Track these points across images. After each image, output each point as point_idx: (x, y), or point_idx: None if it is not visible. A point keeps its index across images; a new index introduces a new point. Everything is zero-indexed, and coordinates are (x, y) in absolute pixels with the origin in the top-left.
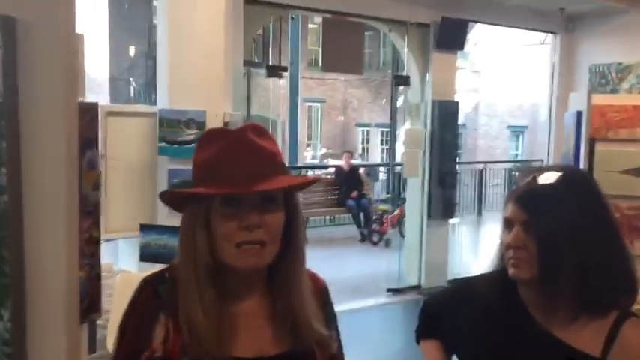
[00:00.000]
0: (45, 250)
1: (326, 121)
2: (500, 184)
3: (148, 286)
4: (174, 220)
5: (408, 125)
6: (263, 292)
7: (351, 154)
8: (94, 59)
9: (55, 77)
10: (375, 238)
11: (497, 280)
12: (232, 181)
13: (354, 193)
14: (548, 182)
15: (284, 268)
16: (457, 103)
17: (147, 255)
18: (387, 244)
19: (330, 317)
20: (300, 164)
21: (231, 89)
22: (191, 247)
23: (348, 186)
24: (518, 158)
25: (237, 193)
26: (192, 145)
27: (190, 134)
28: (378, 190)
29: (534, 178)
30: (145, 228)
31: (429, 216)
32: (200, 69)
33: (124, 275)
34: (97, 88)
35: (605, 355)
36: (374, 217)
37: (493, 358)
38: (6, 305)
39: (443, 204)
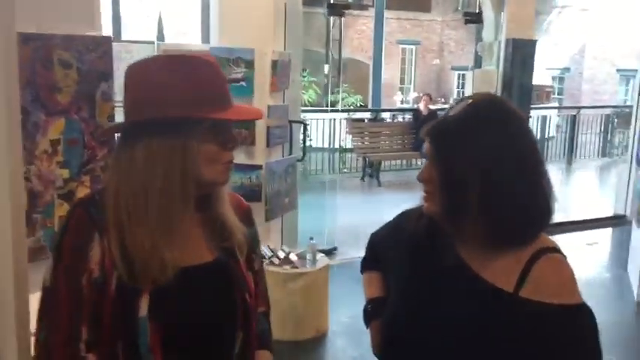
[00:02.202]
0: None
1: (421, 63)
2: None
3: (79, 208)
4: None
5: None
6: (196, 206)
7: (430, 97)
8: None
9: None
10: None
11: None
12: (218, 106)
13: None
14: (454, 114)
15: None
16: (534, 42)
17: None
18: None
19: (254, 238)
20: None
21: (283, 27)
22: (178, 167)
23: None
24: (627, 104)
25: (245, 120)
26: (241, 83)
27: (238, 72)
28: None
29: (449, 110)
30: None
31: None
32: (249, 5)
33: None
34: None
35: (517, 291)
36: None
37: (412, 289)
38: None
39: None
